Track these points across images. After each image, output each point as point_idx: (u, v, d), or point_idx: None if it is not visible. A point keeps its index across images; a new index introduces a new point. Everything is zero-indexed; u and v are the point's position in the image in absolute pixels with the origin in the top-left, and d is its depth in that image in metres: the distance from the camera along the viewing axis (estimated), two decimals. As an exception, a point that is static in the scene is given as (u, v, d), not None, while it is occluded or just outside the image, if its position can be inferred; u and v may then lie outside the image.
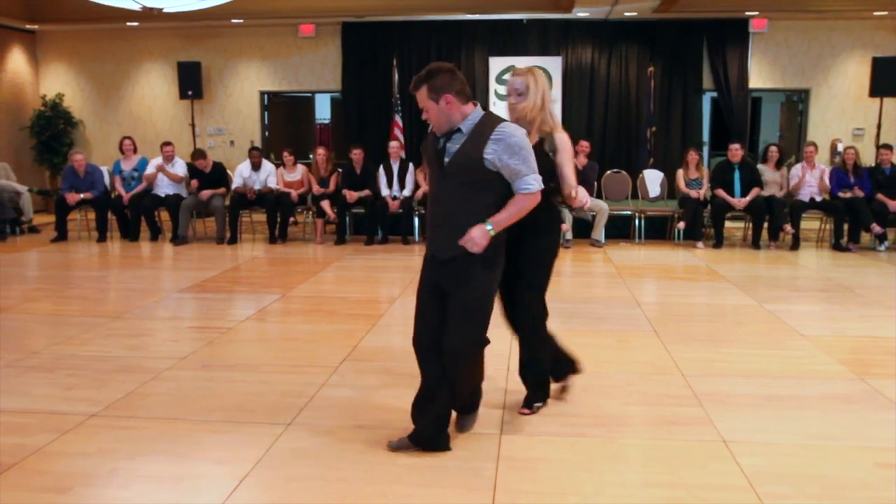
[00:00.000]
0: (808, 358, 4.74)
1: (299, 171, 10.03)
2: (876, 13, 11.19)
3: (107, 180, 10.07)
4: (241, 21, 11.74)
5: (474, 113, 3.11)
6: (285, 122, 13.30)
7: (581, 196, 3.40)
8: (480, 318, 3.20)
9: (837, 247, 9.26)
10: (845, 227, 9.30)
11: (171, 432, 3.50)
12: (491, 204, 3.09)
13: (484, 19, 11.73)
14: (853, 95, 11.71)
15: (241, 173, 9.92)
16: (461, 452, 3.28)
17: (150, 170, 9.89)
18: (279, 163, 10.24)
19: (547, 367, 3.82)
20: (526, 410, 3.74)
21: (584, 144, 9.89)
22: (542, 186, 3.15)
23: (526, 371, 3.80)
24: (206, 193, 9.61)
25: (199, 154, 9.90)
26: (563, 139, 3.64)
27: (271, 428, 3.53)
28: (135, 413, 3.76)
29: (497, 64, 11.98)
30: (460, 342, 3.16)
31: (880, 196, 9.25)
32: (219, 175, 9.97)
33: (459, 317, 3.16)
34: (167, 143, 10.02)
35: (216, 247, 9.39)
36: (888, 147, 9.62)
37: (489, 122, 3.09)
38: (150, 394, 4.02)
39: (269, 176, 9.88)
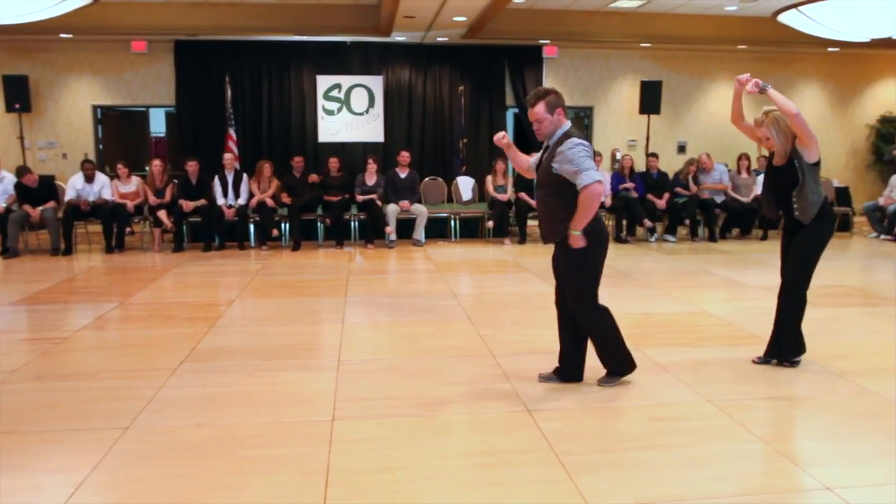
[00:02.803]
0: (596, 334, 5.04)
1: (134, 183, 9.41)
2: (642, 44, 12.13)
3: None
4: (71, 36, 10.83)
5: (562, 127, 3.71)
6: (119, 136, 12.40)
7: None
8: (583, 285, 3.75)
9: (618, 239, 9.94)
10: (623, 222, 10.02)
11: (3, 446, 3.17)
12: (568, 201, 3.60)
13: (311, 41, 11.55)
14: (627, 112, 12.61)
15: (73, 185, 9.14)
16: (296, 440, 3.21)
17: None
18: (114, 175, 9.56)
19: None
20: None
21: (405, 155, 10.00)
22: (593, 180, 3.55)
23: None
24: (30, 209, 8.76)
25: (23, 170, 8.99)
26: None
27: (109, 433, 3.28)
28: (-38, 429, 3.38)
29: (324, 82, 11.87)
30: (573, 301, 3.78)
31: (650, 196, 10.04)
32: (46, 190, 9.12)
33: (568, 283, 3.80)
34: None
35: (50, 259, 8.60)
36: (654, 155, 10.48)
37: (563, 136, 3.65)
38: (-22, 408, 3.63)
39: (104, 188, 9.20)
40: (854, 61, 13.13)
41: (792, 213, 4.17)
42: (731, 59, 12.81)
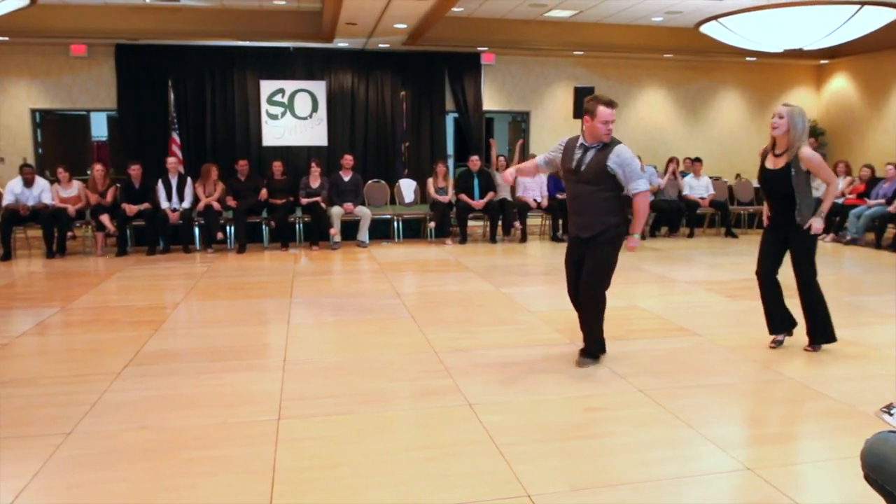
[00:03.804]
0: (535, 330, 5.10)
1: (75, 187, 9.07)
2: (575, 52, 12.34)
3: None
4: (7, 39, 10.40)
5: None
6: (60, 140, 11.94)
7: None
8: (602, 278, 4.10)
9: (555, 238, 10.08)
10: (560, 222, 10.16)
11: (-62, 455, 3.02)
12: (611, 198, 4.01)
13: (254, 46, 11.35)
14: (562, 116, 12.79)
15: (12, 190, 8.76)
16: (242, 440, 3.15)
17: None
18: (54, 179, 9.20)
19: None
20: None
21: (348, 158, 9.92)
22: (646, 188, 4.03)
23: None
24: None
25: None
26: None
27: (50, 439, 3.15)
28: None
29: (267, 86, 11.69)
30: (588, 292, 4.09)
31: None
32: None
33: (588, 276, 4.08)
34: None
35: (-12, 264, 8.23)
36: (588, 158, 10.63)
37: (614, 139, 4.03)
38: (-88, 418, 3.44)
39: (44, 192, 8.84)
40: (770, 70, 13.63)
41: (785, 212, 4.32)
42: (658, 66, 13.14)
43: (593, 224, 4.04)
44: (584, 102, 4.08)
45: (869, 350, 4.58)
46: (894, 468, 1.79)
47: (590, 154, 4.05)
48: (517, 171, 4.49)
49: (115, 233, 8.86)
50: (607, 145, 4.01)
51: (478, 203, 9.82)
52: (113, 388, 3.85)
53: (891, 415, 1.85)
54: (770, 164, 4.40)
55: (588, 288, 4.12)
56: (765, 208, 4.63)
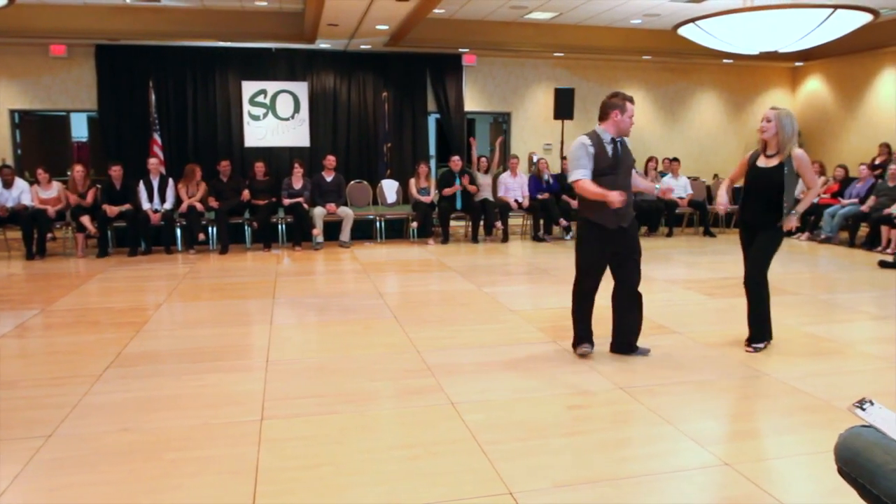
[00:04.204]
0: (516, 328, 5.12)
1: (55, 188, 8.96)
2: (556, 54, 12.39)
3: None
4: (-15, 39, 10.25)
5: None
6: (39, 141, 11.78)
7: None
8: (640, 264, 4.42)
9: (536, 238, 10.12)
10: (541, 222, 10.19)
11: (-85, 459, 2.97)
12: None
13: (236, 47, 11.28)
14: (542, 117, 12.85)
15: (-9, 191, 8.66)
16: (225, 441, 3.13)
17: None
18: (33, 180, 9.08)
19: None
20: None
21: (331, 159, 9.89)
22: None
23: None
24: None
25: None
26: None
27: (30, 442, 3.11)
28: None
29: (249, 87, 11.63)
30: (638, 275, 4.41)
31: (565, 197, 10.25)
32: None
33: (635, 264, 4.37)
34: None
35: (-34, 266, 8.11)
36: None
37: None
38: None
39: (23, 193, 8.74)
40: (746, 72, 13.78)
41: (764, 212, 4.41)
42: (637, 68, 13.23)
43: (630, 212, 4.32)
44: (607, 100, 4.22)
45: (843, 346, 4.65)
46: (866, 462, 1.82)
47: (619, 146, 4.26)
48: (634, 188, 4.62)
49: (95, 234, 8.77)
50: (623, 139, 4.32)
51: (458, 186, 9.82)
52: (94, 390, 3.81)
53: (863, 410, 1.88)
54: (762, 163, 4.48)
55: (635, 277, 4.43)
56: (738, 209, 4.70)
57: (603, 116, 4.22)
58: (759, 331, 4.53)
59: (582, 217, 4.33)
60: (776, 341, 4.64)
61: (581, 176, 4.14)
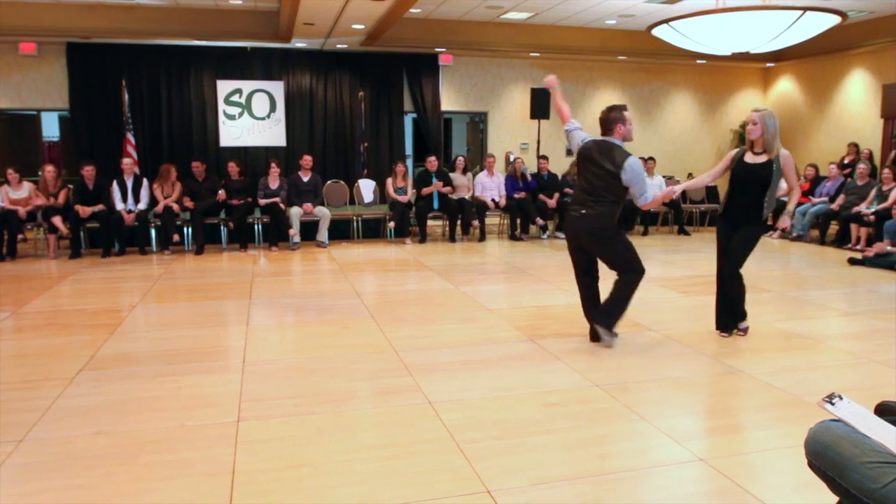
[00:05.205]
0: (494, 327, 5.12)
1: (26, 189, 8.80)
2: (532, 54, 12.43)
3: None
4: (-48, 37, 10.04)
5: None
6: (9, 140, 11.58)
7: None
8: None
9: (513, 237, 10.15)
10: (518, 221, 10.22)
11: None
12: None
13: (210, 46, 11.16)
14: (519, 117, 12.89)
15: (-41, 192, 8.48)
16: (201, 443, 3.10)
17: None
18: (3, 181, 8.91)
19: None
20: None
21: (307, 159, 9.83)
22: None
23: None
24: None
25: None
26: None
27: (1, 447, 3.04)
28: None
29: (224, 86, 11.51)
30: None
31: (541, 196, 10.29)
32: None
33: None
34: None
35: (-66, 268, 7.93)
36: (545, 158, 10.75)
37: None
38: None
39: (-8, 194, 8.57)
40: (719, 73, 13.94)
41: (749, 208, 4.56)
42: (613, 68, 13.33)
43: None
44: (607, 115, 4.60)
45: (814, 342, 4.73)
46: (835, 455, 1.85)
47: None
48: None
49: (68, 235, 8.62)
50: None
51: (436, 185, 9.83)
52: (66, 393, 3.75)
53: (832, 405, 1.91)
54: (750, 159, 4.60)
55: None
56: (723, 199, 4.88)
57: (608, 131, 4.57)
58: (740, 315, 4.81)
59: (608, 223, 4.82)
60: (749, 337, 4.70)
61: (651, 197, 4.70)
